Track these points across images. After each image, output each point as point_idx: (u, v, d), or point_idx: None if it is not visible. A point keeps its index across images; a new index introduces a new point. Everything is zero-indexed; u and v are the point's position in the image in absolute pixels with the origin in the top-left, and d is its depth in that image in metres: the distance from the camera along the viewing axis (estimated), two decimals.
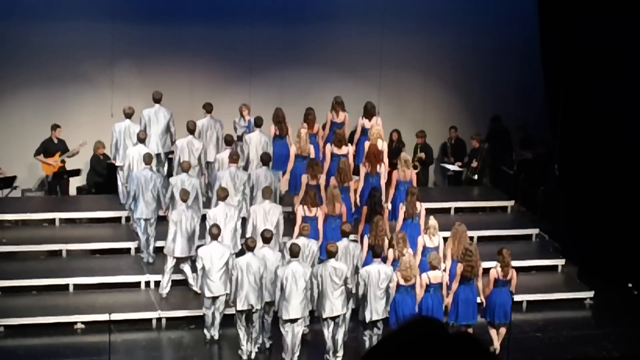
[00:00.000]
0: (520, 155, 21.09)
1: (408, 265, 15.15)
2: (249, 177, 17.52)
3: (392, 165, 17.97)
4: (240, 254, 15.70)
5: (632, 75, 18.86)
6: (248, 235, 16.20)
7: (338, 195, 16.63)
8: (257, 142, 18.26)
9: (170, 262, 16.72)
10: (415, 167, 18.17)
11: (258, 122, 18.41)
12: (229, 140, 18.23)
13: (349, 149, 17.89)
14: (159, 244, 17.33)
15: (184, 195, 16.71)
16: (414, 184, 17.69)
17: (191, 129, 18.24)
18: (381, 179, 17.55)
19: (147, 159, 17.59)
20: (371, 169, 17.52)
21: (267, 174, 17.41)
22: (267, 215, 16.44)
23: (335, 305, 14.99)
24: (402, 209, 16.81)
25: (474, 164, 20.71)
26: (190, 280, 16.82)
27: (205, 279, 15.58)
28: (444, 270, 15.73)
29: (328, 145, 17.99)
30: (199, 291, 16.40)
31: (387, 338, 2.56)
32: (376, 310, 15.08)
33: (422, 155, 20.29)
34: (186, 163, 17.54)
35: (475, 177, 20.71)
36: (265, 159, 17.52)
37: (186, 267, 16.84)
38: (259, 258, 15.14)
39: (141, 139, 18.09)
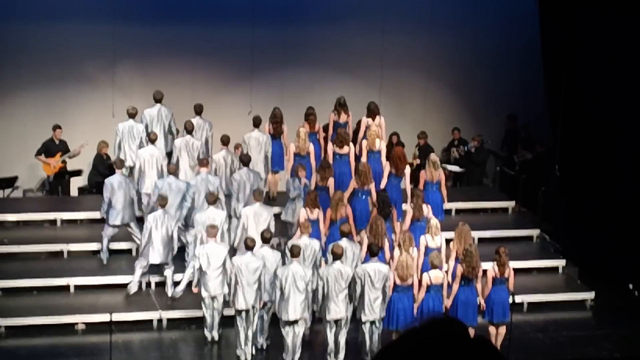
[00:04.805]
0: (520, 156, 21.09)
1: (404, 265, 15.15)
2: (232, 181, 17.38)
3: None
4: (232, 254, 15.69)
5: (632, 75, 18.85)
6: (238, 237, 16.20)
7: (341, 200, 16.58)
8: (255, 142, 18.25)
9: (142, 263, 16.67)
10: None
11: (257, 122, 18.41)
12: (224, 140, 18.14)
13: (350, 149, 17.88)
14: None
15: (162, 200, 16.62)
16: (443, 185, 17.67)
17: (189, 129, 18.18)
18: (407, 180, 17.50)
19: (119, 164, 17.52)
20: (397, 171, 17.47)
21: (250, 175, 17.35)
22: (257, 217, 16.39)
23: (340, 307, 14.99)
24: (409, 212, 16.78)
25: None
26: (169, 284, 16.84)
27: (202, 278, 15.58)
28: (447, 270, 15.72)
29: (330, 145, 18.00)
30: (172, 294, 16.64)
31: (407, 334, 2.53)
32: (373, 309, 15.08)
33: (416, 159, 20.31)
34: (172, 167, 17.42)
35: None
36: (245, 160, 17.44)
37: (168, 272, 16.81)
38: (257, 258, 15.13)
39: (152, 140, 18.02)
